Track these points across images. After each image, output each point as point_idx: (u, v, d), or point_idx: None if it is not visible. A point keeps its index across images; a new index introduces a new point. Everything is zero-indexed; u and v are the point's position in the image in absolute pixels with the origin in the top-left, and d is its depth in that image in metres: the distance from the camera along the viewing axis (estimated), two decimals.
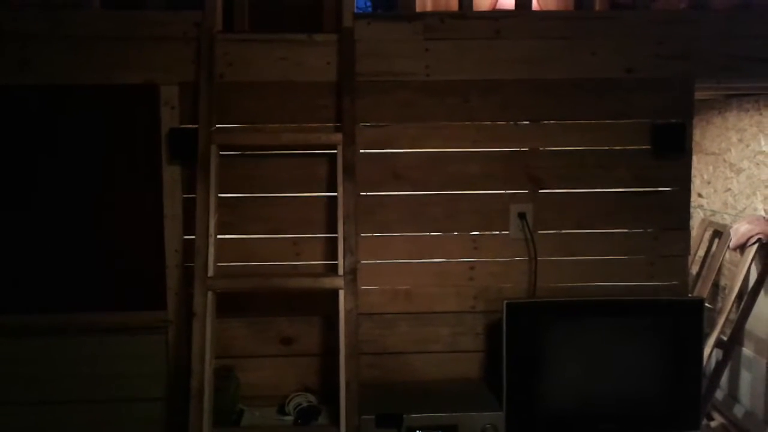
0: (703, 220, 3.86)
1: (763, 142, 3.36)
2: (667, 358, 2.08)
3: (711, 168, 3.89)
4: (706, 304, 2.26)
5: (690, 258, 2.81)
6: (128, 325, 2.14)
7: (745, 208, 3.51)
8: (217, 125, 2.12)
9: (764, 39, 2.18)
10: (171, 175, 2.13)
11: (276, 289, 2.14)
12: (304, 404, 2.11)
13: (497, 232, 2.21)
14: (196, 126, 2.07)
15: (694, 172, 2.50)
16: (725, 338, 3.25)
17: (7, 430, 2.14)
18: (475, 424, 1.95)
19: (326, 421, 2.06)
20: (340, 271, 2.01)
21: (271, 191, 2.17)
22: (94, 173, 2.14)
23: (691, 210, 2.39)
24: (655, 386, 2.07)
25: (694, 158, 2.48)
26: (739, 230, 3.29)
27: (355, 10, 2.14)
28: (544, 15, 2.33)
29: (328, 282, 2.05)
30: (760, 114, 3.38)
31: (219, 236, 2.07)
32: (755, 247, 3.18)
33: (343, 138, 2.06)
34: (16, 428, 2.14)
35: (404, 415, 1.93)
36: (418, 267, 2.21)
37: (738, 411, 3.37)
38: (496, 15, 2.25)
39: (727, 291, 3.46)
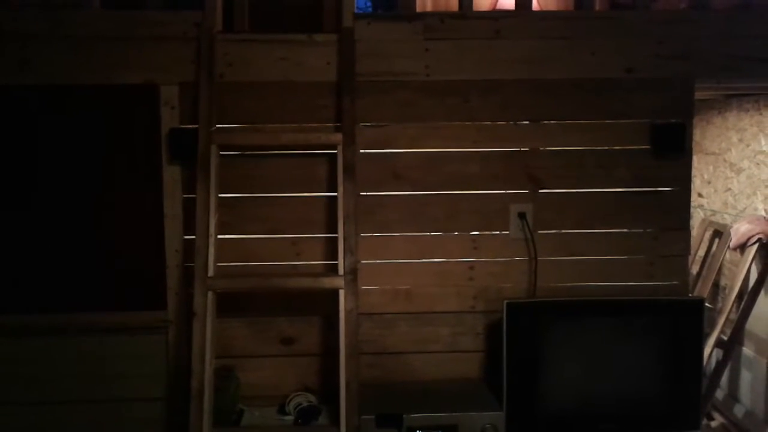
0: (704, 220, 3.85)
1: (763, 142, 3.36)
2: (668, 358, 2.08)
3: (711, 168, 3.89)
4: (707, 304, 2.26)
5: (690, 258, 2.81)
6: (128, 325, 2.14)
7: (745, 208, 3.50)
8: (217, 125, 2.12)
9: (764, 39, 2.18)
10: (171, 175, 2.13)
11: (276, 289, 2.14)
12: (305, 404, 2.11)
13: (497, 232, 2.21)
14: (196, 126, 2.07)
15: (694, 172, 2.49)
16: (725, 338, 3.25)
17: (7, 430, 2.14)
18: (475, 424, 1.95)
19: (326, 421, 2.06)
20: (340, 271, 2.01)
21: (271, 191, 2.18)
22: (94, 173, 2.15)
23: (692, 210, 2.39)
24: (655, 386, 2.07)
25: (694, 158, 2.48)
26: (740, 230, 3.29)
27: (355, 10, 2.14)
28: (544, 15, 2.34)
29: (328, 282, 2.05)
30: (760, 114, 3.38)
31: (219, 236, 2.07)
32: (755, 246, 3.18)
33: (343, 138, 2.06)
34: (16, 428, 2.14)
35: (404, 415, 1.93)
36: (418, 267, 2.21)
37: (738, 411, 3.37)
38: (496, 15, 2.26)
39: (727, 291, 3.46)
